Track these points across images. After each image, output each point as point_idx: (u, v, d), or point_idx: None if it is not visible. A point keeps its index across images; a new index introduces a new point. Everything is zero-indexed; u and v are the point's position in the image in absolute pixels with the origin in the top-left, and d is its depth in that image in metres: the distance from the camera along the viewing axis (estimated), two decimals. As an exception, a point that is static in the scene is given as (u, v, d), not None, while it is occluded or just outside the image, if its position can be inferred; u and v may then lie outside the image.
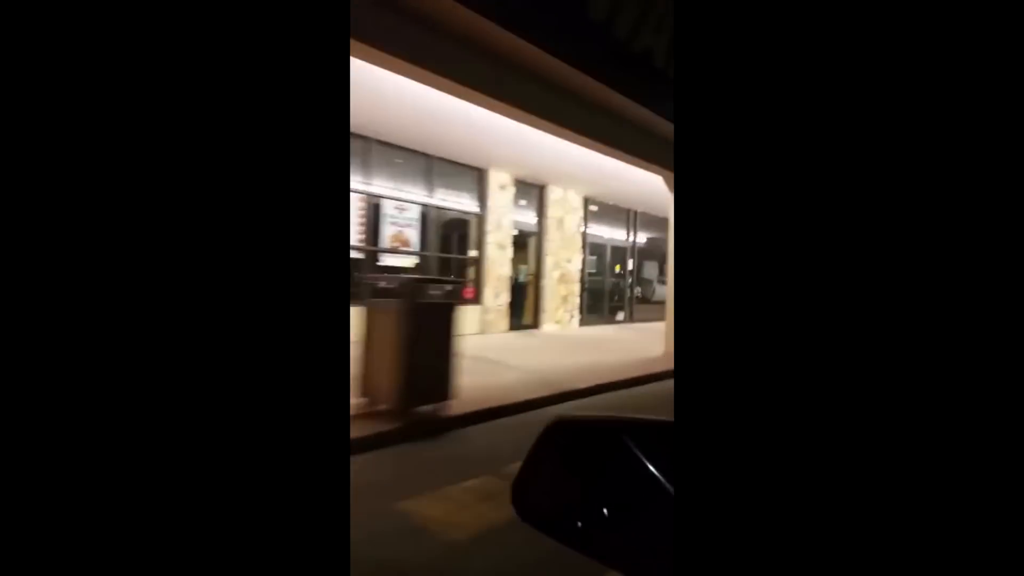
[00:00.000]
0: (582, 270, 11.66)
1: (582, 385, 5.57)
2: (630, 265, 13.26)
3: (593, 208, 12.06)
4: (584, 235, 11.74)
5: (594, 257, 12.23)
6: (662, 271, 15.06)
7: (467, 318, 8.47)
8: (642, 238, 13.91)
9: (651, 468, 0.49)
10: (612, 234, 12.83)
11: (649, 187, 9.97)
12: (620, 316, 13.01)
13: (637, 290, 14.19)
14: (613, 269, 12.93)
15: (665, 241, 15.08)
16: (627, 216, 13.09)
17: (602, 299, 12.43)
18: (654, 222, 13.90)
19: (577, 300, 11.42)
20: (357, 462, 3.26)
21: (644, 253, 14.40)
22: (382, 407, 4.05)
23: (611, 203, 12.27)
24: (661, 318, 14.11)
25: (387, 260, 8.33)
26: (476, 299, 9.42)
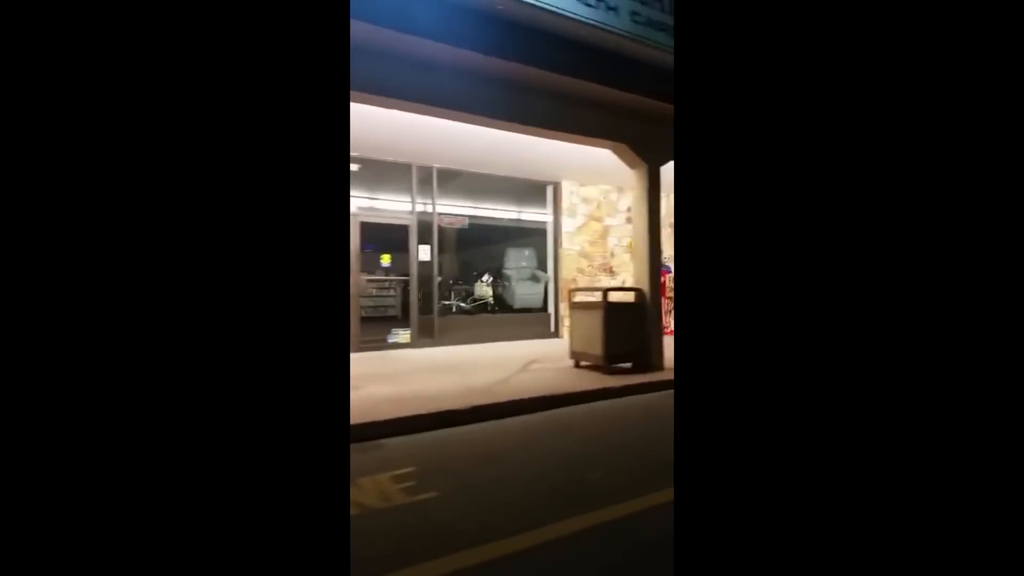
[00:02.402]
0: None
1: None
2: (423, 255, 8.37)
3: (352, 166, 7.46)
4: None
5: (319, 240, 7.63)
6: (541, 264, 9.80)
7: None
8: (481, 212, 8.91)
9: None
10: (375, 204, 8.06)
11: (439, 132, 5.55)
12: (398, 336, 8.26)
13: (485, 291, 9.23)
14: (380, 261, 8.19)
15: (545, 219, 9.78)
16: (410, 177, 8.21)
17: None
18: (523, 191, 8.80)
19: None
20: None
21: (510, 236, 9.37)
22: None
23: (369, 156, 7.54)
24: (510, 336, 9.08)
25: None
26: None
